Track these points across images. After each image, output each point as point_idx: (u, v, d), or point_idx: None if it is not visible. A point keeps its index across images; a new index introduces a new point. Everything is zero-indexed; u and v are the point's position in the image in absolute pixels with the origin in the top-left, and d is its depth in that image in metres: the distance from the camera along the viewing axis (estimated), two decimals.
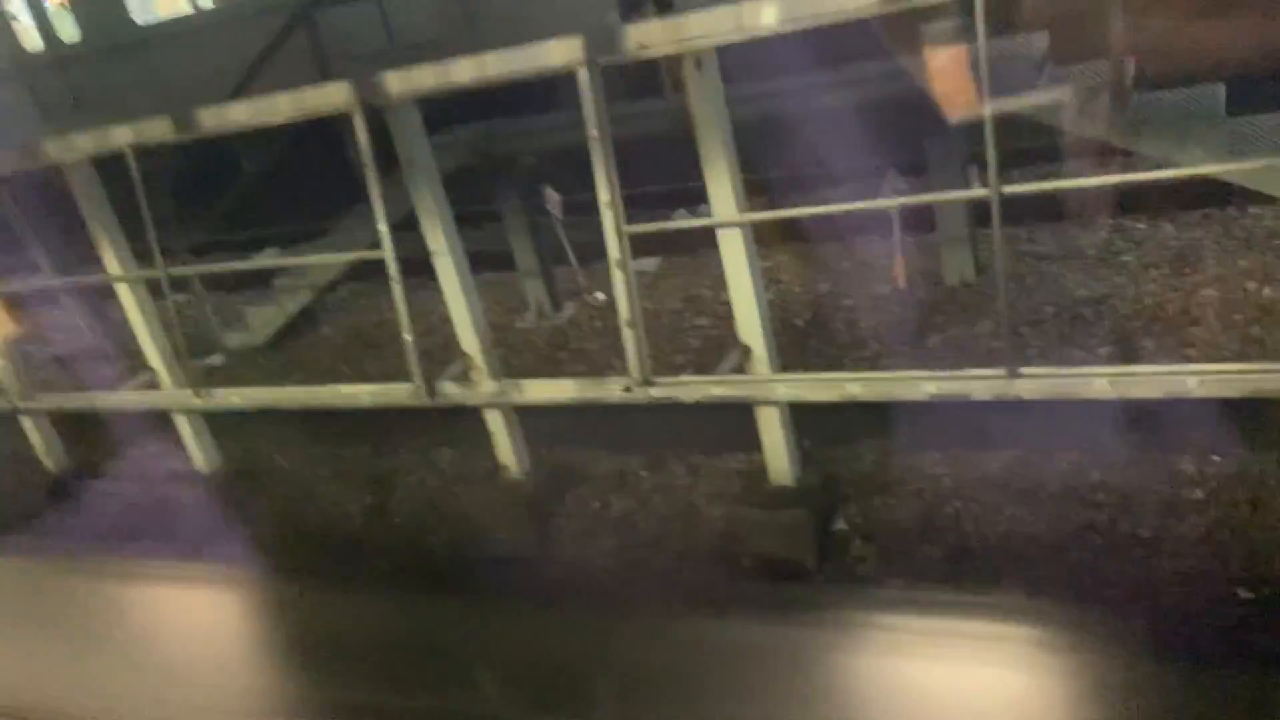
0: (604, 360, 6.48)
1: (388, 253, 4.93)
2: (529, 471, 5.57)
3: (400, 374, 5.34)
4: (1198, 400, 3.86)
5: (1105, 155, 5.36)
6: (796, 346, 5.97)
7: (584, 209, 5.85)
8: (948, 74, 3.86)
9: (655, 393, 4.74)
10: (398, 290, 4.99)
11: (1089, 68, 5.30)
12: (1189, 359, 4.96)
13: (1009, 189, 3.78)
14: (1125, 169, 4.96)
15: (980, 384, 4.12)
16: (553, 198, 7.31)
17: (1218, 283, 5.61)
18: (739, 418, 4.81)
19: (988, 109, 3.71)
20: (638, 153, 5.43)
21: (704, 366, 4.96)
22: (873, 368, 5.62)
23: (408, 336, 5.08)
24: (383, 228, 4.88)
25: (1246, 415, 4.30)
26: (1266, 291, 5.39)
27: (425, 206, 5.01)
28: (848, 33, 5.90)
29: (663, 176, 7.27)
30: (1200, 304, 5.45)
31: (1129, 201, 6.48)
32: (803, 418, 4.79)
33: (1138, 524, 4.26)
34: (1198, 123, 5.13)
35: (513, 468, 5.55)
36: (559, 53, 4.19)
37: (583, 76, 4.18)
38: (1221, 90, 5.23)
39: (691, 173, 4.46)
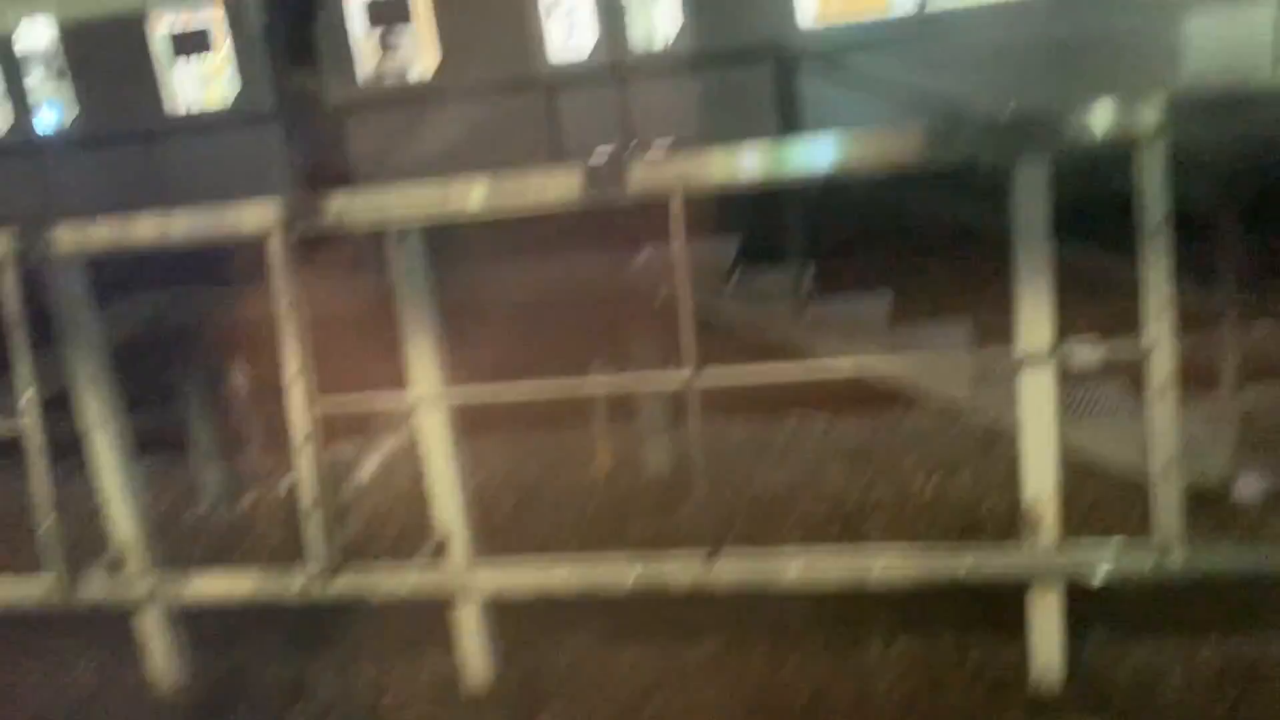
0: (288, 554, 5.92)
1: (28, 425, 4.31)
2: (190, 683, 4.87)
3: (38, 569, 4.59)
4: (880, 586, 4.00)
5: (794, 355, 5.71)
6: (497, 539, 5.73)
7: (276, 388, 5.46)
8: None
9: (342, 585, 4.33)
10: (38, 468, 4.35)
11: (774, 273, 5.71)
12: (869, 547, 5.20)
13: (704, 380, 3.87)
14: (809, 368, 5.28)
15: (680, 567, 4.09)
16: (238, 373, 6.82)
17: (891, 475, 6.02)
18: (437, 613, 4.47)
19: (685, 308, 3.83)
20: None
21: (400, 558, 4.62)
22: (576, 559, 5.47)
23: (46, 521, 4.40)
24: (26, 396, 4.28)
25: (924, 602, 4.51)
26: (933, 482, 5.84)
27: (85, 378, 4.47)
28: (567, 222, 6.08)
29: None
30: (878, 495, 5.80)
31: (814, 398, 6.92)
32: (483, 613, 4.53)
33: (828, 716, 4.28)
34: (867, 327, 5.61)
35: (170, 678, 4.84)
36: (251, 217, 3.95)
37: (275, 244, 3.95)
38: (888, 298, 5.78)
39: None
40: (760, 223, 5.77)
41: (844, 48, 7.20)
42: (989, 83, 6.96)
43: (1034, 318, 3.73)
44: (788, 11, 7.95)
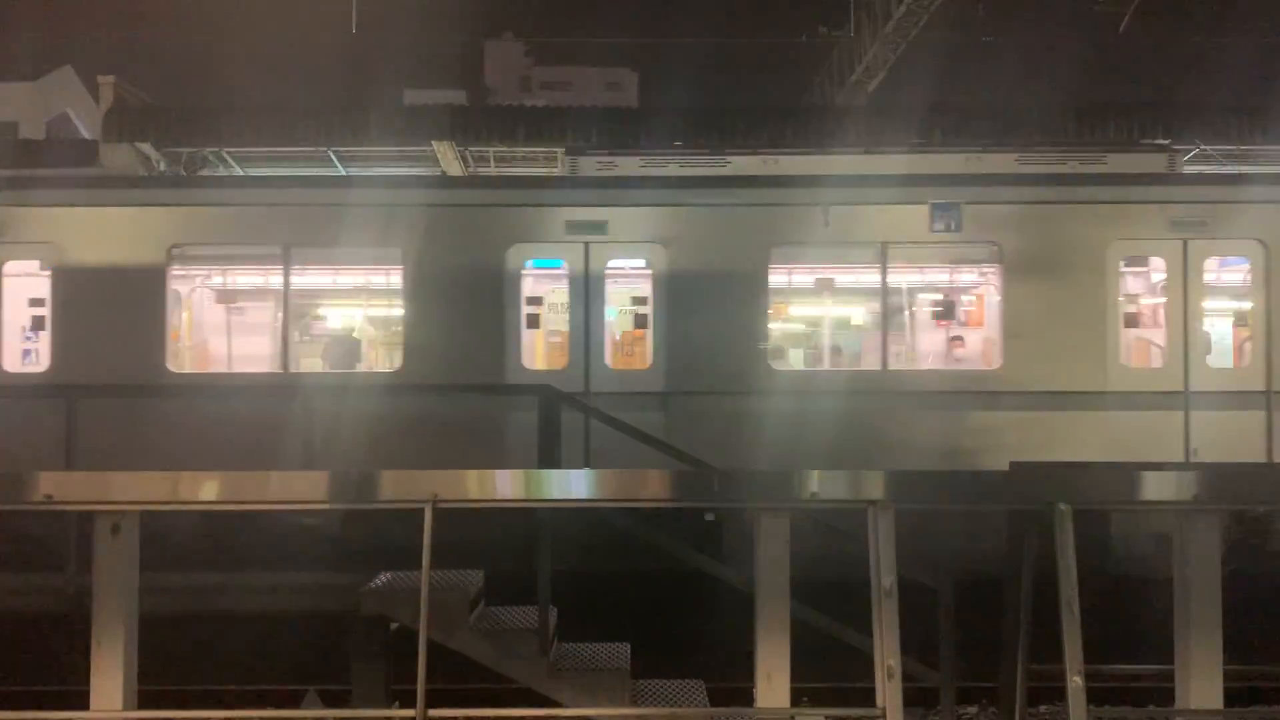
0: None
1: None
2: None
3: None
4: None
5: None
6: None
7: None
8: None
9: None
10: None
11: (517, 612, 5.53)
12: None
13: (437, 712, 3.59)
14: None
15: None
16: None
17: None
18: None
19: (423, 636, 3.64)
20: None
21: None
22: None
23: None
24: None
25: None
26: None
27: None
28: (285, 535, 5.75)
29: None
30: None
31: None
32: None
33: None
34: (606, 676, 5.42)
35: None
36: None
37: None
38: (627, 650, 5.65)
39: None
40: (509, 558, 5.67)
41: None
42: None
43: (773, 675, 3.74)
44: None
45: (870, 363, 9.05)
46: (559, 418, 5.50)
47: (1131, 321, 9.27)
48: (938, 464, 7.84)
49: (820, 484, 3.69)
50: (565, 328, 8.96)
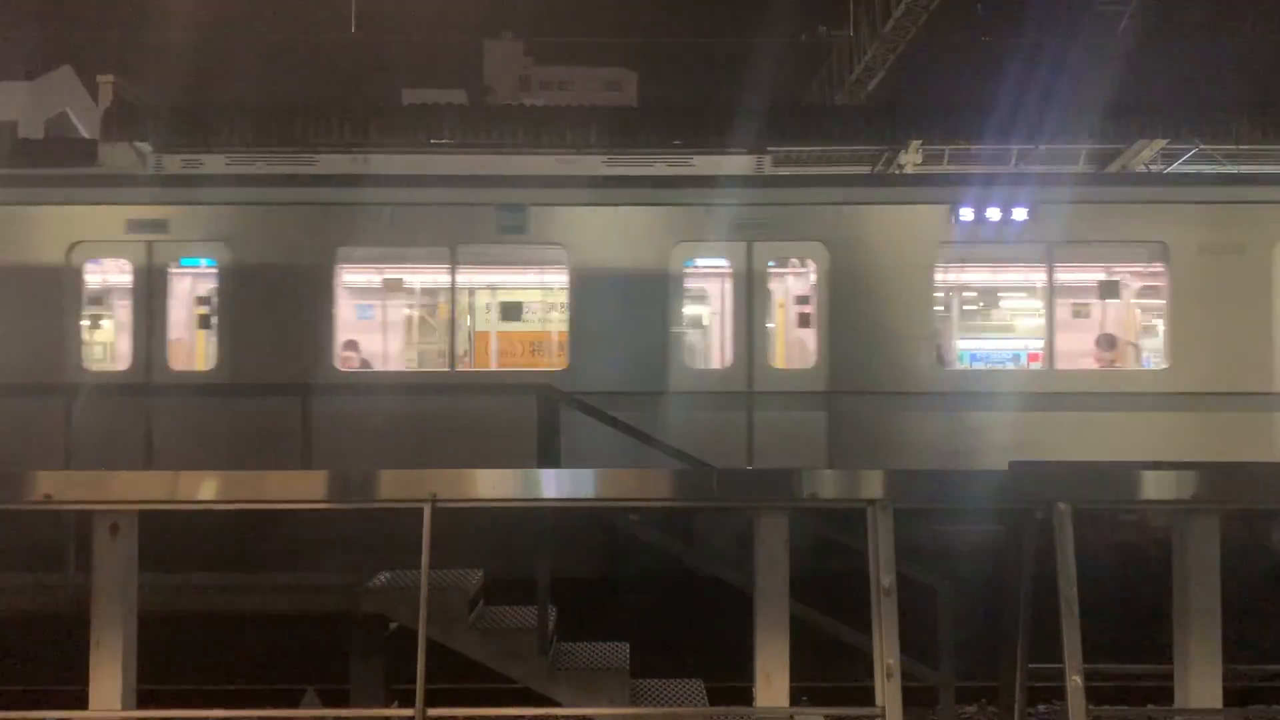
0: None
1: None
2: None
3: None
4: None
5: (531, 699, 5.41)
6: None
7: None
8: None
9: None
10: None
11: (516, 611, 5.52)
12: None
13: (436, 712, 3.59)
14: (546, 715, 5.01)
15: None
16: None
17: None
18: None
19: (422, 635, 3.63)
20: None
21: None
22: None
23: None
24: None
25: None
26: None
27: None
28: (283, 533, 5.74)
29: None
30: None
31: None
32: None
33: None
34: (605, 675, 5.42)
35: None
36: None
37: None
38: (626, 650, 5.65)
39: None
40: (508, 557, 5.66)
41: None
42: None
43: (772, 675, 3.74)
44: None
45: (439, 363, 9.15)
46: (558, 417, 5.49)
47: (696, 322, 9.30)
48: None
49: (819, 483, 3.69)
50: (130, 328, 8.83)
